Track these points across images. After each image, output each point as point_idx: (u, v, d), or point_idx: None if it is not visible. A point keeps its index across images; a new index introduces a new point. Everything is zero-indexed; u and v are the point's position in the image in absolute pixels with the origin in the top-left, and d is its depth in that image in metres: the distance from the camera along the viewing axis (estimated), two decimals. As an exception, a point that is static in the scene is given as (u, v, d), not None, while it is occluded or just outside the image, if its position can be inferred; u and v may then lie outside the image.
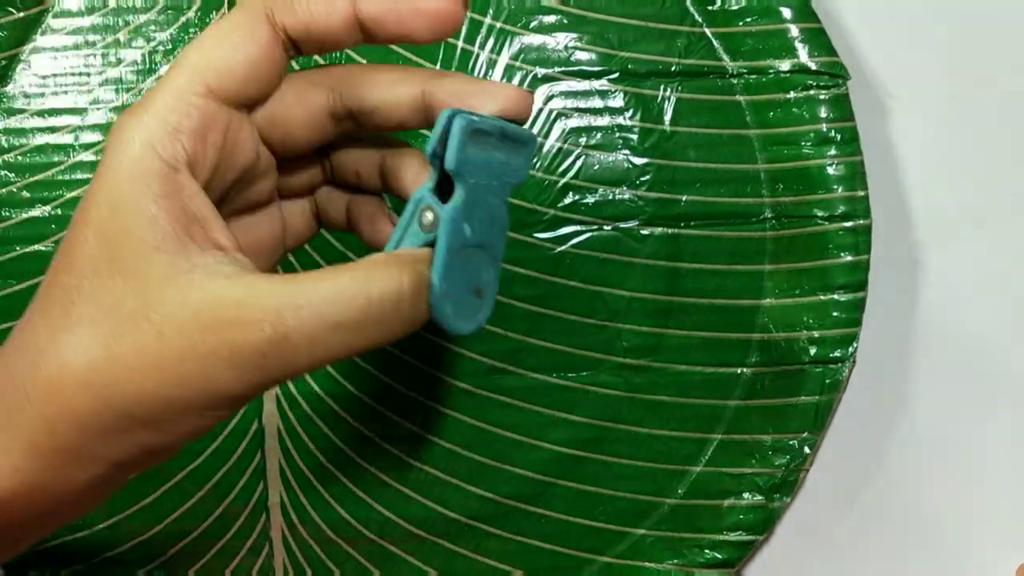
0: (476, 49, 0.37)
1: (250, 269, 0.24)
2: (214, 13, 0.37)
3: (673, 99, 0.37)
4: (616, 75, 0.37)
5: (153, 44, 0.37)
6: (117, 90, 0.37)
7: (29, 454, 0.23)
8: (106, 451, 0.24)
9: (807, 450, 0.36)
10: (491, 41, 0.37)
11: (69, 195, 0.37)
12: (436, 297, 0.24)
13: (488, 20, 0.37)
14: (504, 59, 0.37)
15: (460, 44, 0.37)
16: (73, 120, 0.37)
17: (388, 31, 0.25)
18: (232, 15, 0.25)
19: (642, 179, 0.37)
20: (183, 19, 0.37)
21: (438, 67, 0.37)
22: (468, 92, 0.26)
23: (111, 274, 0.23)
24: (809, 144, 0.36)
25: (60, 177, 0.37)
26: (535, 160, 0.37)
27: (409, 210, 0.26)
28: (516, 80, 0.37)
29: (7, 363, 0.24)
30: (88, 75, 0.37)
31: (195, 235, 0.24)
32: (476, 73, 0.37)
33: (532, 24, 0.37)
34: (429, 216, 0.25)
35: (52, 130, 0.37)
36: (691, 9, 0.37)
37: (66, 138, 0.37)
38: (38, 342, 0.23)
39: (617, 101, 0.37)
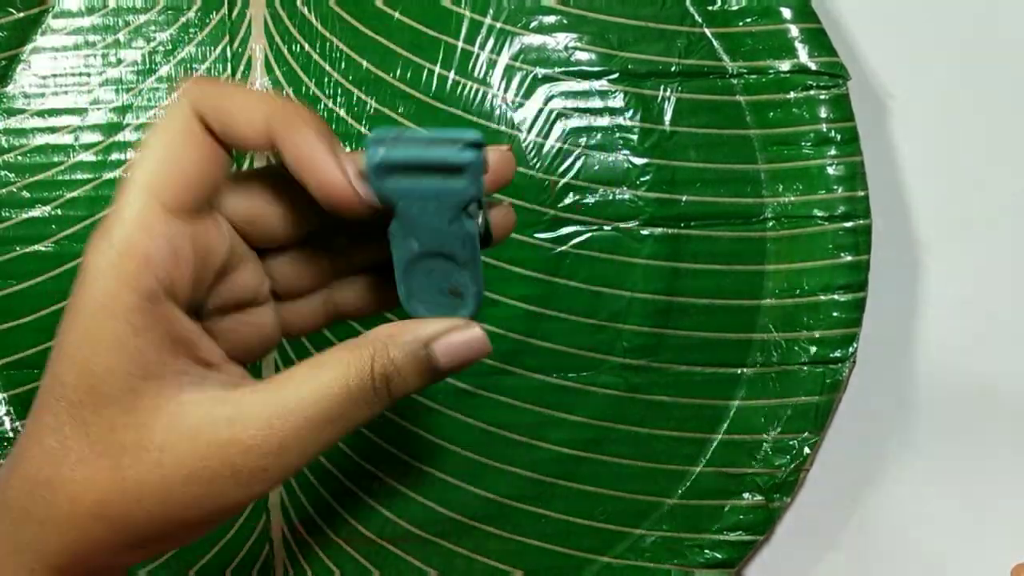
0: (476, 49, 0.37)
1: (236, 381, 0.25)
2: (214, 13, 0.37)
3: (673, 99, 0.37)
4: (616, 75, 0.37)
5: (153, 44, 0.37)
6: (117, 90, 0.37)
7: (51, 571, 0.24)
8: (122, 561, 0.25)
9: (807, 450, 0.36)
10: (491, 41, 0.37)
11: (69, 195, 0.37)
12: (403, 300, 0.26)
13: (488, 20, 0.37)
14: (504, 59, 0.37)
15: (460, 44, 0.37)
16: (73, 120, 0.37)
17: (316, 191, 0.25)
18: (163, 122, 0.24)
19: (642, 179, 0.37)
20: (183, 19, 0.37)
21: (438, 68, 0.37)
22: None
23: (102, 407, 0.23)
24: (809, 144, 0.36)
25: (60, 177, 0.37)
26: (536, 160, 0.36)
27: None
28: (516, 80, 0.37)
29: (15, 487, 0.24)
30: (88, 75, 0.37)
31: (179, 358, 0.24)
32: (477, 73, 0.37)
33: (532, 24, 0.37)
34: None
35: (52, 130, 0.37)
36: (691, 9, 0.37)
37: (66, 138, 0.37)
38: (40, 474, 0.24)
39: (617, 101, 0.37)
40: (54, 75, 0.37)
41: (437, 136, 0.25)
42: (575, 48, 0.37)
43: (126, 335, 0.23)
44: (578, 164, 0.37)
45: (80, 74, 0.37)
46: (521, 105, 0.37)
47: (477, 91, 0.37)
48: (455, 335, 0.26)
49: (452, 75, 0.37)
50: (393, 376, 0.25)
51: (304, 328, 0.29)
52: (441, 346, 0.26)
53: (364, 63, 0.37)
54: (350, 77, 0.37)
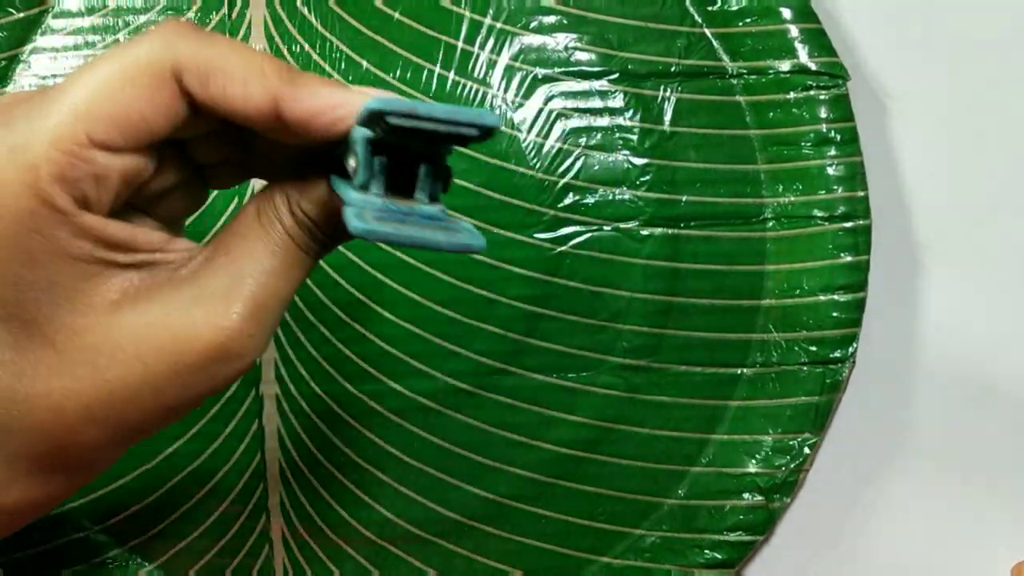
0: (476, 49, 0.37)
1: (189, 263, 0.24)
2: (214, 14, 0.37)
3: (673, 99, 0.37)
4: (616, 75, 0.37)
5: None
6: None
7: (33, 473, 0.24)
8: (111, 456, 0.25)
9: (807, 450, 0.36)
10: (491, 41, 0.37)
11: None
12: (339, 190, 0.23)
13: (488, 20, 0.37)
14: (504, 59, 0.37)
15: (460, 44, 0.37)
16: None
17: (315, 132, 0.23)
18: (131, 60, 0.22)
19: (642, 179, 0.37)
20: (182, 20, 0.37)
21: (438, 68, 0.37)
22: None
23: (56, 316, 0.23)
24: (809, 144, 0.36)
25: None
26: (536, 160, 0.36)
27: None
28: (516, 81, 0.37)
29: None
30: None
31: (119, 255, 0.23)
32: (477, 73, 0.37)
33: (532, 24, 0.37)
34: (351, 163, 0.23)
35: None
36: (691, 9, 0.37)
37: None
38: (6, 393, 0.23)
39: (617, 101, 0.37)
40: (54, 75, 0.37)
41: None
42: (575, 48, 0.37)
43: (48, 242, 0.22)
44: (578, 164, 0.37)
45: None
46: (521, 105, 0.37)
47: (477, 91, 0.37)
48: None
49: (452, 75, 0.37)
50: (306, 223, 0.25)
51: (226, 185, 0.27)
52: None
53: (364, 63, 0.37)
54: (350, 77, 0.37)
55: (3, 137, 0.22)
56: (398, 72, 0.37)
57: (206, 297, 0.23)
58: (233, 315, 0.23)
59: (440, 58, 0.37)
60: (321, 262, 0.36)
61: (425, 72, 0.37)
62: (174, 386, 0.23)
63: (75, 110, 0.22)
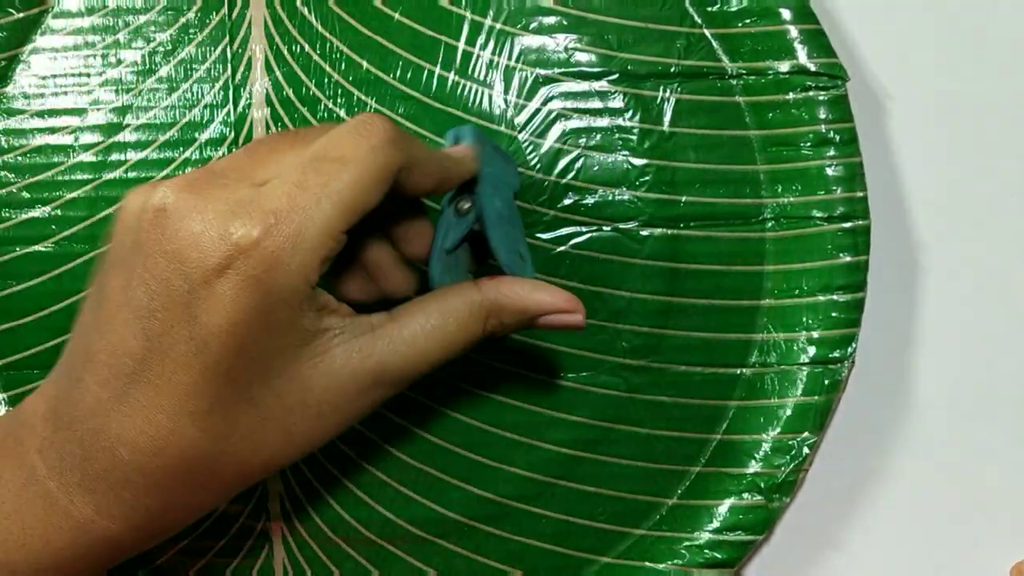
0: (476, 50, 0.37)
1: (374, 331, 0.29)
2: (214, 14, 0.37)
3: (672, 100, 0.37)
4: (615, 76, 0.37)
5: (153, 45, 0.37)
6: (117, 91, 0.37)
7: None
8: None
9: (807, 450, 0.36)
10: (492, 43, 0.37)
11: (69, 196, 0.37)
12: (493, 248, 0.31)
13: (488, 21, 0.37)
14: (504, 61, 0.37)
15: (460, 45, 0.37)
16: (73, 121, 0.37)
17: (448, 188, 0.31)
18: (380, 164, 0.27)
19: (641, 180, 0.37)
20: (183, 20, 0.37)
21: (438, 69, 0.37)
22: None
23: (268, 379, 0.27)
24: (808, 145, 0.36)
25: (60, 178, 0.37)
26: (536, 161, 0.36)
27: (443, 212, 0.31)
28: (516, 81, 0.37)
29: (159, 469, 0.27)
30: (88, 76, 0.37)
31: (323, 319, 0.28)
32: (477, 74, 0.37)
33: (532, 25, 0.37)
34: (465, 205, 0.31)
35: (52, 131, 0.37)
36: (690, 10, 0.37)
37: (66, 139, 0.37)
38: (200, 456, 0.27)
39: (616, 102, 0.37)
40: (54, 75, 0.37)
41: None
42: (575, 49, 0.37)
43: (295, 317, 0.27)
44: (578, 165, 0.37)
45: (80, 75, 0.37)
46: (521, 106, 0.37)
47: (478, 92, 0.37)
48: (563, 317, 0.32)
49: (452, 76, 0.37)
50: (502, 332, 0.31)
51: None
52: (545, 321, 0.32)
53: (364, 63, 0.37)
54: (350, 78, 0.37)
55: (291, 230, 0.26)
56: (398, 73, 0.37)
57: (385, 368, 0.29)
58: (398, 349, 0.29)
59: (440, 59, 0.37)
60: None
61: (425, 73, 0.37)
62: (335, 429, 0.29)
63: (342, 204, 0.26)
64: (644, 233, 0.37)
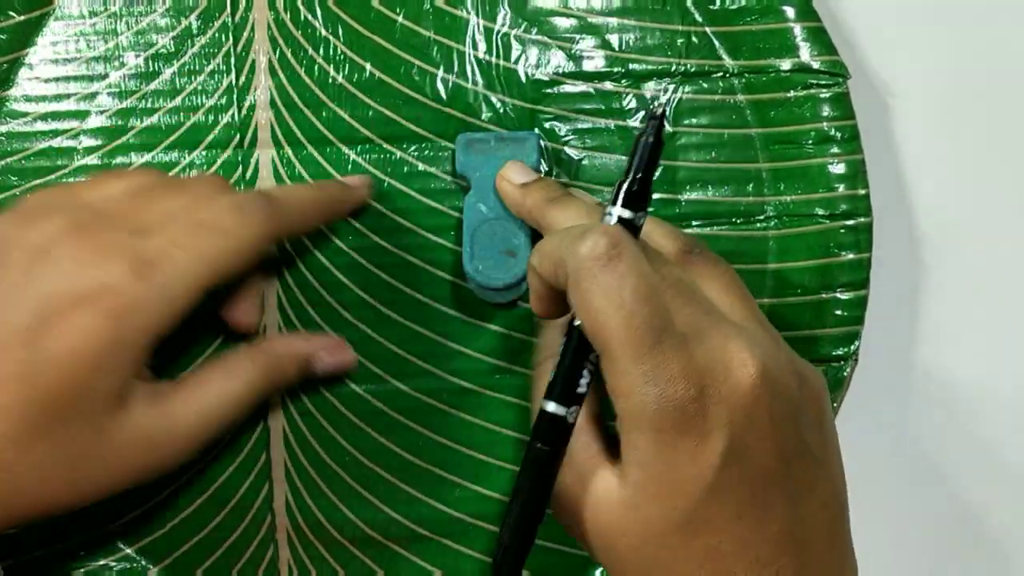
0: (478, 53, 0.37)
1: (167, 393, 0.31)
2: (217, 15, 0.37)
3: (675, 99, 0.37)
4: (617, 77, 0.37)
5: (156, 48, 0.37)
6: (120, 95, 0.37)
7: None
8: None
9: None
10: (493, 45, 0.37)
11: (73, 199, 0.37)
12: (466, 260, 0.35)
13: (489, 23, 0.37)
14: (504, 62, 0.37)
15: (460, 47, 0.37)
16: (75, 124, 0.37)
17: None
18: (250, 232, 0.30)
19: (644, 179, 0.37)
20: (185, 23, 0.37)
21: (440, 72, 0.37)
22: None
23: (77, 422, 0.28)
24: (810, 143, 0.36)
25: (64, 181, 0.37)
26: (543, 163, 0.36)
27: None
28: (517, 83, 0.37)
29: None
30: (91, 79, 0.37)
31: (137, 381, 0.30)
32: (477, 77, 0.37)
33: (533, 28, 0.37)
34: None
35: (55, 134, 0.37)
36: (692, 9, 0.37)
37: (69, 142, 0.37)
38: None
39: (619, 102, 0.37)
40: (56, 79, 0.37)
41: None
42: (576, 51, 0.37)
43: (128, 364, 0.28)
44: (581, 166, 0.37)
45: (83, 78, 0.37)
46: (523, 109, 0.37)
47: (478, 95, 0.37)
48: (329, 358, 0.35)
49: (453, 78, 0.37)
50: (283, 382, 0.34)
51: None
52: (319, 364, 0.35)
53: (367, 66, 0.37)
54: (353, 80, 0.37)
55: (130, 302, 0.28)
56: (401, 75, 0.37)
57: (176, 428, 0.31)
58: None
59: (441, 63, 0.37)
60: (327, 262, 0.36)
61: (428, 75, 0.37)
62: (121, 483, 0.30)
63: (213, 266, 0.30)
64: (647, 232, 0.37)
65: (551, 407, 0.27)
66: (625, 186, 0.27)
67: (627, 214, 0.27)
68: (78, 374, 0.27)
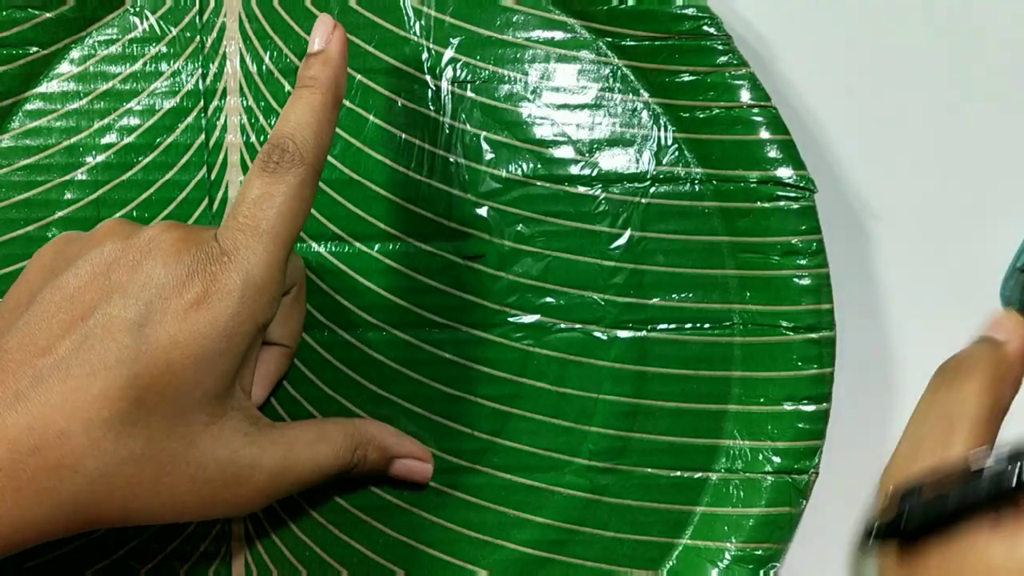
0: (452, 155, 0.37)
1: (261, 425, 0.30)
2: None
3: (643, 204, 0.37)
4: (588, 180, 0.37)
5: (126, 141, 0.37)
6: (92, 184, 0.37)
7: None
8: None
9: (773, 562, 0.35)
10: (460, 147, 0.37)
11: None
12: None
13: (459, 124, 0.37)
14: (472, 163, 0.37)
15: (437, 151, 0.37)
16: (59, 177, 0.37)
17: None
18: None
19: (611, 282, 0.37)
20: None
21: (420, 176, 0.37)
22: None
23: (172, 415, 0.27)
24: (777, 254, 0.36)
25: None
26: (506, 262, 0.37)
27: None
28: (485, 184, 0.37)
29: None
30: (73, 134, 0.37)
31: (237, 384, 0.29)
32: (452, 177, 0.37)
33: (505, 130, 0.37)
34: None
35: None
36: (662, 116, 0.37)
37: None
38: (72, 463, 0.26)
39: (588, 205, 0.37)
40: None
41: None
42: (547, 153, 0.37)
43: (226, 367, 0.28)
44: (548, 266, 0.37)
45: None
46: (492, 208, 0.37)
47: (442, 193, 0.37)
48: (413, 465, 0.35)
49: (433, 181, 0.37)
50: (362, 467, 0.34)
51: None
52: (400, 465, 0.35)
53: (339, 164, 0.37)
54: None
55: (227, 265, 0.28)
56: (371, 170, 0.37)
57: (260, 465, 0.30)
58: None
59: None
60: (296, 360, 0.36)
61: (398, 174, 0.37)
62: (186, 507, 0.29)
63: (276, 238, 0.29)
64: (612, 335, 0.37)
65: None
66: None
67: None
68: (181, 367, 0.27)
